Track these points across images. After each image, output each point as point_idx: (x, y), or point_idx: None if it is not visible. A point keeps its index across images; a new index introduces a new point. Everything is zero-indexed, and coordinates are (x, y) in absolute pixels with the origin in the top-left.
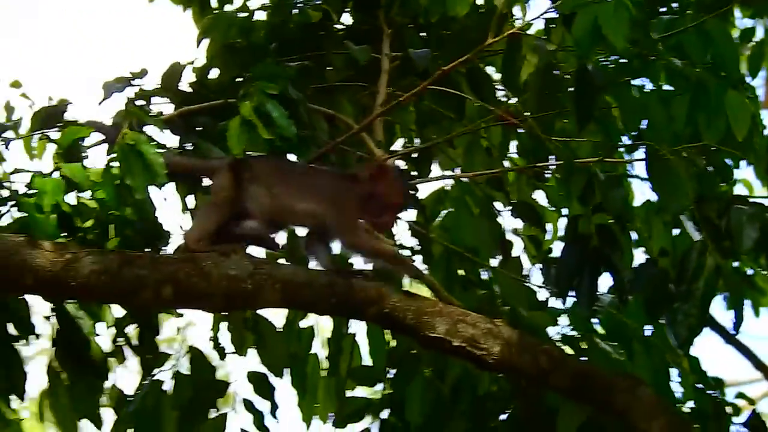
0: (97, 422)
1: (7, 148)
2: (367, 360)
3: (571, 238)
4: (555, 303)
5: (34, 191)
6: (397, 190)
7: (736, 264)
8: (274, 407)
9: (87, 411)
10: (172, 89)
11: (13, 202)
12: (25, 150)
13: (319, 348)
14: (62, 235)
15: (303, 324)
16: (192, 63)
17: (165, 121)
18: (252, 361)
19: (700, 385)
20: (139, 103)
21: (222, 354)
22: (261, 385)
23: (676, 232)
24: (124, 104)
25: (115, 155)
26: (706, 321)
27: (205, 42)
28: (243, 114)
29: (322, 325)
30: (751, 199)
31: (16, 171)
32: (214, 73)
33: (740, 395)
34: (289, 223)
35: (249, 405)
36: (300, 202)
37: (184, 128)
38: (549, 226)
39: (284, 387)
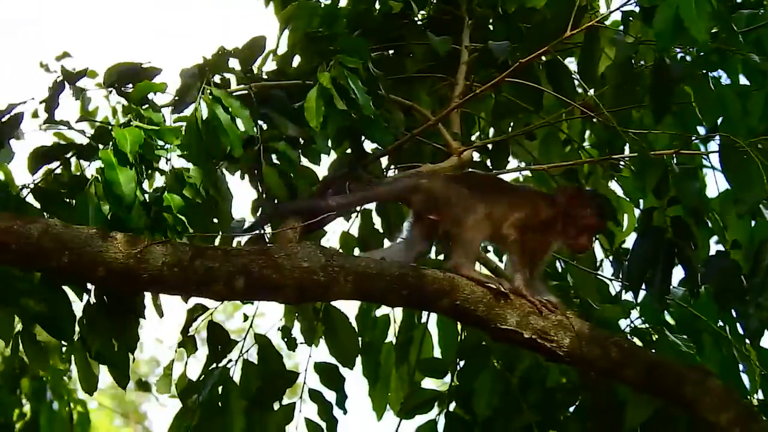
0: (120, 366)
1: (79, 99)
2: (437, 352)
3: (645, 231)
4: (626, 295)
5: (110, 143)
6: (592, 212)
7: None
8: (343, 398)
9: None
10: (252, 60)
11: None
12: (81, 110)
13: (392, 337)
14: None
15: (378, 313)
16: (274, 52)
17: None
18: (322, 351)
19: None
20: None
21: (292, 345)
22: (330, 375)
23: (754, 223)
24: (200, 64)
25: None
26: None
27: (286, 34)
28: (321, 83)
29: (395, 314)
30: None
31: (82, 118)
32: (294, 64)
33: None
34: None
35: (317, 396)
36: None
37: (257, 103)
38: (624, 219)
39: (352, 377)
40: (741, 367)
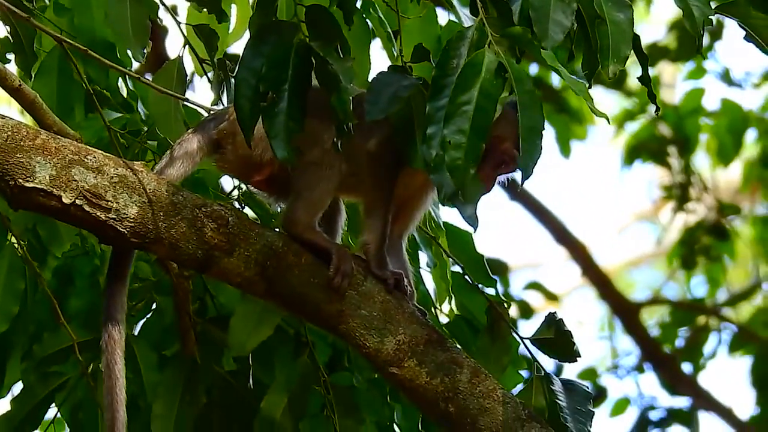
0: None
1: None
2: None
3: (264, 28)
4: None
5: None
6: (512, 135)
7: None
8: None
9: None
10: None
11: None
12: None
13: None
14: None
15: None
16: None
17: None
18: None
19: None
20: None
21: None
22: None
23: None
24: None
25: None
26: (479, 157)
27: None
28: None
29: None
30: None
31: None
32: None
33: (534, 286)
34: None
35: None
36: None
37: None
38: (233, 10)
39: None
40: (424, 258)
